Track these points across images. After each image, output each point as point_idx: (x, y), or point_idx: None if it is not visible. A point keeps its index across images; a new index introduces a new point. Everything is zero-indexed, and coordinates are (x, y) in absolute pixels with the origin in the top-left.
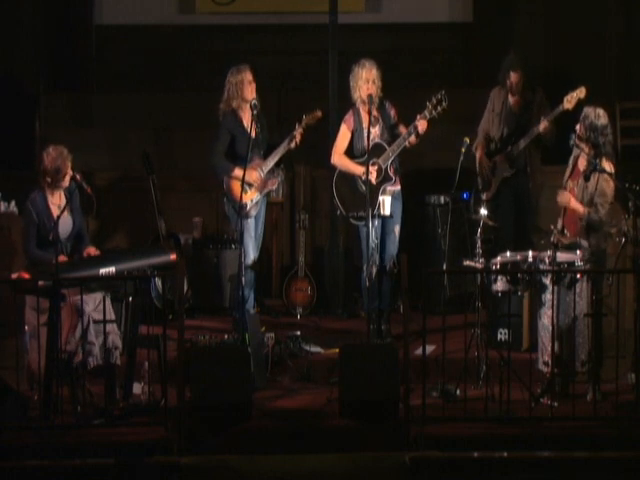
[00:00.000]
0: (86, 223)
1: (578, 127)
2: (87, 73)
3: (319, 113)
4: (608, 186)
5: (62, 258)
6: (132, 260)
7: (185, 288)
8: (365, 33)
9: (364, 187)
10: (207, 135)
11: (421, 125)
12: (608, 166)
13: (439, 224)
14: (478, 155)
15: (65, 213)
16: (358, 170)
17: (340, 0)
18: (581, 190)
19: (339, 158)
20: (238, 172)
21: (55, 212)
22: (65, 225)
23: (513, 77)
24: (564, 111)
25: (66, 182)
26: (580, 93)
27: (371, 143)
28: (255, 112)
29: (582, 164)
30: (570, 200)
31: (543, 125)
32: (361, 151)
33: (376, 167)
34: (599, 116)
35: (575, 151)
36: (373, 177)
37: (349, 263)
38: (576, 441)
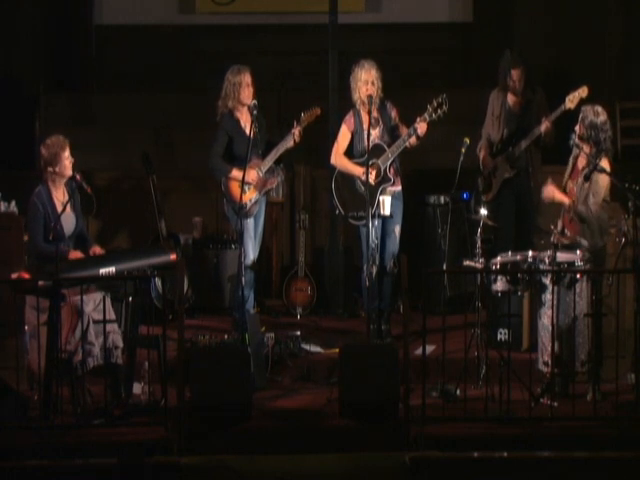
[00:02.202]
0: (86, 223)
1: (578, 127)
2: (87, 73)
3: (318, 111)
4: (603, 180)
5: (76, 253)
6: (132, 260)
7: (185, 288)
8: (365, 33)
9: (363, 187)
10: (207, 135)
11: (421, 127)
12: (606, 163)
13: (439, 224)
14: (481, 157)
15: (68, 210)
16: (357, 170)
17: (340, 0)
18: (579, 188)
19: (339, 158)
20: (236, 173)
21: (59, 208)
22: (69, 223)
23: (515, 75)
24: (566, 111)
25: (68, 170)
26: (582, 92)
27: (370, 144)
28: (255, 112)
29: (582, 163)
30: (554, 193)
31: (545, 125)
32: (361, 152)
33: (375, 168)
34: (598, 113)
35: (575, 151)
36: (372, 178)
37: (349, 263)
38: (576, 441)
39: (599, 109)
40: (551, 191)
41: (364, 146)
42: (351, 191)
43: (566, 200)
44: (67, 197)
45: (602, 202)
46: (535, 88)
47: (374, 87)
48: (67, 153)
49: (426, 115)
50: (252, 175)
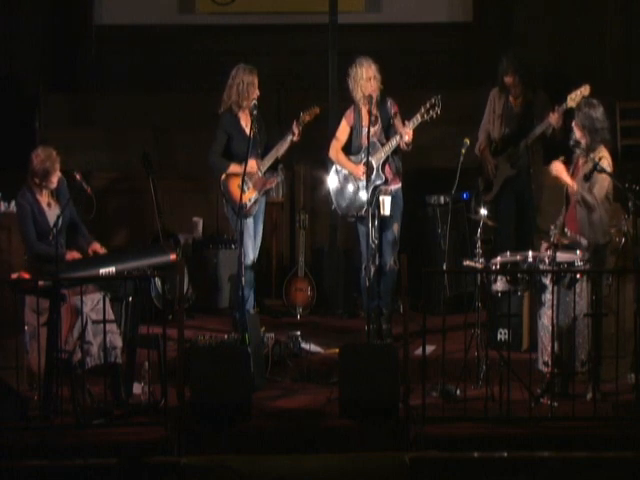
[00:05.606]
0: (84, 222)
1: (574, 121)
2: (87, 73)
3: (317, 110)
4: (603, 179)
5: (73, 254)
6: (132, 260)
7: (186, 288)
8: (365, 33)
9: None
10: (207, 135)
11: (407, 135)
12: (605, 153)
13: (439, 224)
14: (481, 155)
15: (53, 205)
16: (350, 167)
17: (340, 0)
18: (580, 186)
19: (335, 153)
20: (235, 168)
21: (45, 208)
22: (54, 217)
23: (507, 82)
24: (568, 109)
25: (54, 184)
26: (584, 91)
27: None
28: (255, 113)
29: (583, 159)
30: (562, 171)
31: (555, 117)
32: (357, 148)
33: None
34: (593, 105)
35: (576, 152)
36: (363, 175)
37: (349, 263)
38: (576, 441)
39: (594, 102)
40: (560, 169)
41: (360, 143)
42: (344, 187)
43: (570, 182)
44: (50, 195)
45: (605, 198)
46: (536, 90)
47: (376, 81)
48: (58, 170)
49: (418, 116)
50: (252, 164)
